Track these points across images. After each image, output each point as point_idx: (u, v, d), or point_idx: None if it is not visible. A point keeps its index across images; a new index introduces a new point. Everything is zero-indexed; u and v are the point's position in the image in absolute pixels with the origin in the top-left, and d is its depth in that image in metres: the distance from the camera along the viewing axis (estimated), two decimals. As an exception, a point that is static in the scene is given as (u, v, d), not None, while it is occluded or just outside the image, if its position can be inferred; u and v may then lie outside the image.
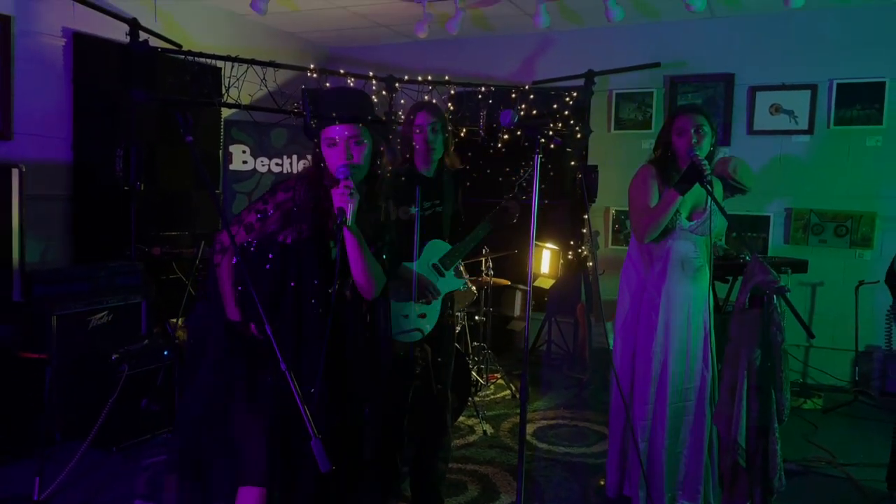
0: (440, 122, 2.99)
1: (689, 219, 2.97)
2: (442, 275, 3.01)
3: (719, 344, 2.99)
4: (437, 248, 3.02)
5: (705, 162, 2.78)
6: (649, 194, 2.94)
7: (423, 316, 2.98)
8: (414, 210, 2.96)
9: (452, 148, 3.05)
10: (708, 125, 2.88)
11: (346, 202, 2.01)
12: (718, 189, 3.05)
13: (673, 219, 2.90)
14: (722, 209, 2.81)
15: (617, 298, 3.18)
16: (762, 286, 2.36)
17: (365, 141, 2.12)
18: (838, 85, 5.03)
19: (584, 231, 5.36)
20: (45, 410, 3.24)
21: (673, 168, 2.97)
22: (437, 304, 2.99)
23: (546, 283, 5.31)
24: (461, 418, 4.11)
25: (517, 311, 5.18)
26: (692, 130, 2.85)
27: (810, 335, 2.22)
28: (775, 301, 2.36)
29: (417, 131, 2.95)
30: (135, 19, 4.28)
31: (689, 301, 2.96)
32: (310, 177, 2.18)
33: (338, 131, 2.10)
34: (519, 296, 5.13)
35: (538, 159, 2.08)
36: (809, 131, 5.13)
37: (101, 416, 3.42)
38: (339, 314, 2.13)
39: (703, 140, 2.86)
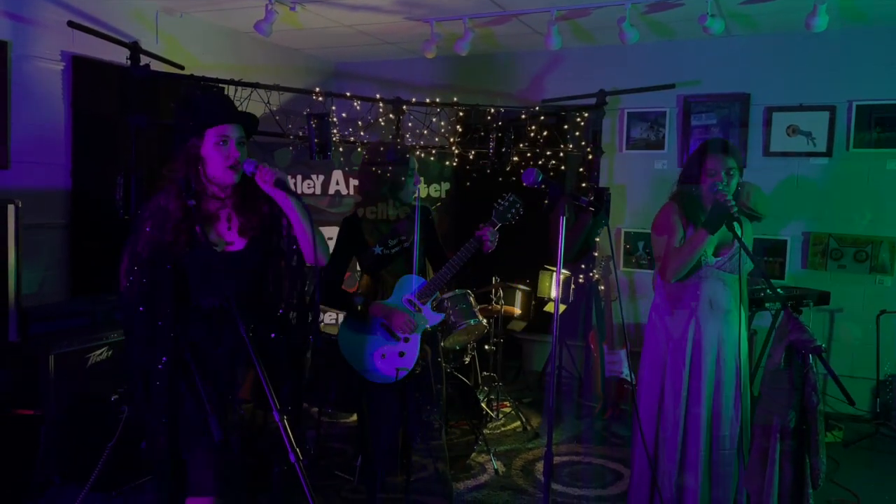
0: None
1: (716, 255, 2.86)
2: (417, 310, 2.91)
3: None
4: (410, 283, 2.92)
5: (731, 200, 2.68)
6: (674, 233, 2.84)
7: (401, 354, 2.88)
8: (378, 249, 2.89)
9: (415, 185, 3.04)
10: (737, 167, 2.81)
11: (272, 171, 2.11)
12: (748, 228, 2.94)
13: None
14: (749, 253, 2.70)
15: (639, 332, 3.08)
16: (797, 345, 2.23)
17: (245, 143, 2.22)
18: (858, 107, 4.89)
19: (596, 254, 5.23)
20: (37, 467, 3.12)
21: (697, 205, 2.86)
22: (416, 343, 2.89)
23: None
24: (472, 455, 3.98)
25: (517, 311, 5.02)
26: (723, 173, 2.76)
27: (850, 402, 2.10)
28: (811, 361, 2.24)
29: None
30: (135, 43, 4.15)
31: (721, 344, 2.84)
32: (182, 189, 2.17)
33: (230, 130, 2.15)
34: (519, 295, 4.95)
35: (563, 221, 1.96)
36: (828, 154, 4.99)
37: (101, 458, 3.30)
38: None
39: (732, 181, 2.78)
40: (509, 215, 2.84)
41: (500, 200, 2.82)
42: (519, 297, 4.95)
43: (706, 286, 2.85)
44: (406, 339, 2.88)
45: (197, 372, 2.09)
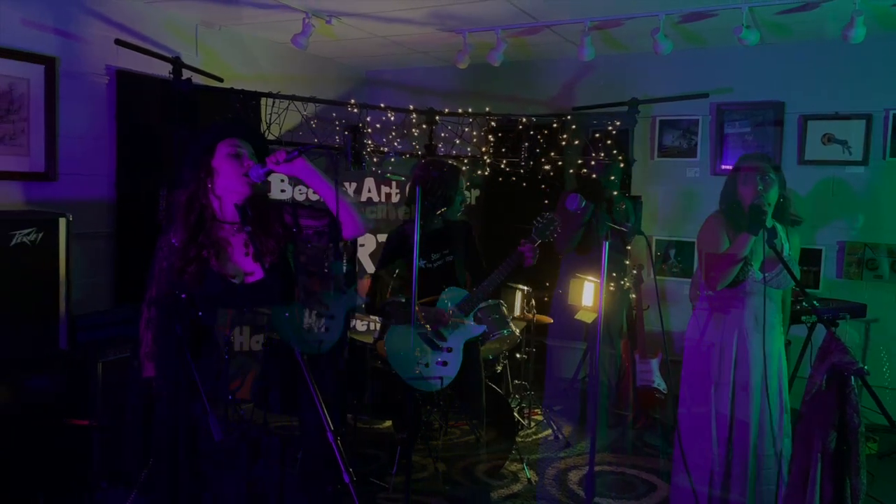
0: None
1: (763, 270, 2.86)
2: (460, 321, 2.99)
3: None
4: (455, 294, 3.01)
5: (768, 204, 2.70)
6: (719, 242, 2.86)
7: (444, 364, 2.95)
8: (421, 262, 2.97)
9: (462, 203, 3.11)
10: (774, 173, 2.81)
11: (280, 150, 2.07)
12: (795, 240, 2.95)
13: (744, 270, 2.80)
14: (788, 268, 2.71)
15: (670, 340, 3.10)
16: (840, 367, 2.24)
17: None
18: (894, 115, 4.84)
19: (627, 263, 5.24)
20: (93, 470, 3.23)
21: (739, 213, 2.88)
22: (458, 353, 2.97)
23: (588, 317, 5.18)
24: (505, 463, 4.03)
25: (516, 312, 4.99)
26: (757, 177, 2.78)
27: (892, 424, 2.10)
28: (853, 382, 2.25)
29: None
30: (178, 58, 4.27)
31: (766, 359, 2.85)
32: (187, 207, 2.11)
33: (241, 144, 2.12)
34: (518, 295, 4.89)
35: (606, 246, 2.00)
36: (864, 162, 4.95)
37: (148, 462, 3.40)
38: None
39: (770, 187, 2.77)
40: (548, 232, 2.92)
41: (538, 218, 2.89)
42: (518, 297, 4.85)
43: (752, 301, 2.86)
44: (449, 349, 2.96)
45: (197, 377, 2.02)
